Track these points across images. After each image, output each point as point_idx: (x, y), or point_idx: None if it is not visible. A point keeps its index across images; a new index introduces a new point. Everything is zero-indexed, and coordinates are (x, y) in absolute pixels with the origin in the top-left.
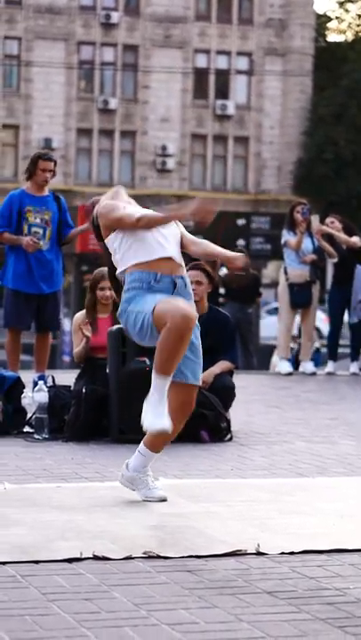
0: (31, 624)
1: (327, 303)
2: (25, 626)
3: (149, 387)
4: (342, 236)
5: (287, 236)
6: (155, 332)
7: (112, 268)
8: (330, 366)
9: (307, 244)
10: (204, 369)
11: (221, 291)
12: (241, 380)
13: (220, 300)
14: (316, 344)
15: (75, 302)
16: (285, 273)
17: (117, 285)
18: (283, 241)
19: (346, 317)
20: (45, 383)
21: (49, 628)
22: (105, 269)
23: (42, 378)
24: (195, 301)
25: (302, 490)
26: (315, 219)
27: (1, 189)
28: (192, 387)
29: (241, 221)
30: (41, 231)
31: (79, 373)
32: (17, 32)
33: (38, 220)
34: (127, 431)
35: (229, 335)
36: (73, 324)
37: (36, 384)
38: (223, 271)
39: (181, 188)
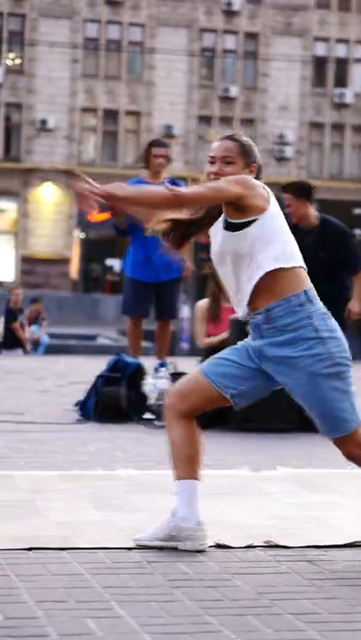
0: (157, 610)
1: None
2: (151, 612)
3: None
4: None
5: None
6: None
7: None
8: None
9: None
10: (328, 287)
11: None
12: (359, 371)
13: None
14: None
15: (193, 290)
16: None
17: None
18: None
19: None
20: (167, 370)
21: (175, 614)
22: None
23: (163, 365)
24: None
25: None
26: None
27: (124, 176)
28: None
29: (358, 210)
30: None
31: (200, 360)
32: (140, 19)
33: None
34: (251, 419)
35: (348, 244)
36: (196, 312)
37: (157, 371)
38: None
39: (300, 176)
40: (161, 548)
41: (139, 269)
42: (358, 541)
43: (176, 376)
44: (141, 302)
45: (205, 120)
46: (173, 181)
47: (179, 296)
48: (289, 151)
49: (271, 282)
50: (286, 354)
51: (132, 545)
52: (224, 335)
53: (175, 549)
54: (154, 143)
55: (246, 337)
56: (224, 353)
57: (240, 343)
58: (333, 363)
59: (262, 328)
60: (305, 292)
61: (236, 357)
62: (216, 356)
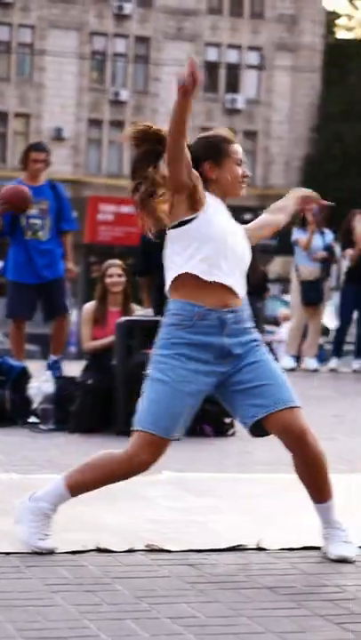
0: (34, 615)
1: (339, 299)
2: (28, 617)
3: None
4: None
5: (297, 235)
6: None
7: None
8: (333, 363)
9: (317, 242)
10: None
11: None
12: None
13: None
14: (320, 340)
15: (82, 293)
16: (296, 270)
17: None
18: (293, 239)
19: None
20: (58, 369)
21: (52, 619)
22: (115, 261)
23: (57, 362)
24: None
25: None
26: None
27: (13, 178)
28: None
29: (248, 216)
30: (39, 222)
31: (86, 364)
32: (30, 20)
33: (35, 211)
34: (132, 423)
35: None
36: (82, 314)
37: (50, 367)
38: None
39: None
40: (41, 553)
41: (20, 272)
42: (240, 545)
43: (61, 380)
44: (24, 305)
45: (96, 123)
46: (52, 184)
47: (65, 292)
48: None
49: None
50: (247, 348)
51: (9, 550)
52: (108, 339)
53: (55, 552)
54: (33, 147)
55: (131, 339)
56: (177, 404)
57: (179, 373)
58: None
59: (229, 326)
60: None
61: (190, 400)
62: (170, 410)
